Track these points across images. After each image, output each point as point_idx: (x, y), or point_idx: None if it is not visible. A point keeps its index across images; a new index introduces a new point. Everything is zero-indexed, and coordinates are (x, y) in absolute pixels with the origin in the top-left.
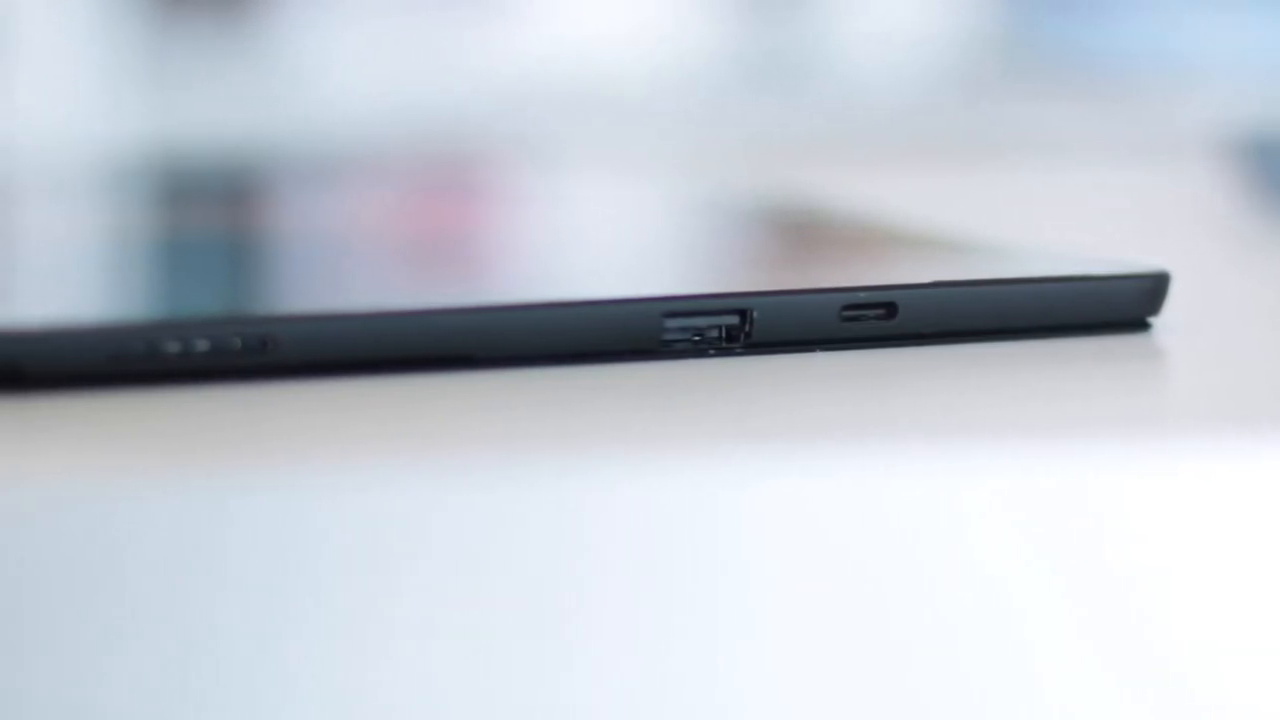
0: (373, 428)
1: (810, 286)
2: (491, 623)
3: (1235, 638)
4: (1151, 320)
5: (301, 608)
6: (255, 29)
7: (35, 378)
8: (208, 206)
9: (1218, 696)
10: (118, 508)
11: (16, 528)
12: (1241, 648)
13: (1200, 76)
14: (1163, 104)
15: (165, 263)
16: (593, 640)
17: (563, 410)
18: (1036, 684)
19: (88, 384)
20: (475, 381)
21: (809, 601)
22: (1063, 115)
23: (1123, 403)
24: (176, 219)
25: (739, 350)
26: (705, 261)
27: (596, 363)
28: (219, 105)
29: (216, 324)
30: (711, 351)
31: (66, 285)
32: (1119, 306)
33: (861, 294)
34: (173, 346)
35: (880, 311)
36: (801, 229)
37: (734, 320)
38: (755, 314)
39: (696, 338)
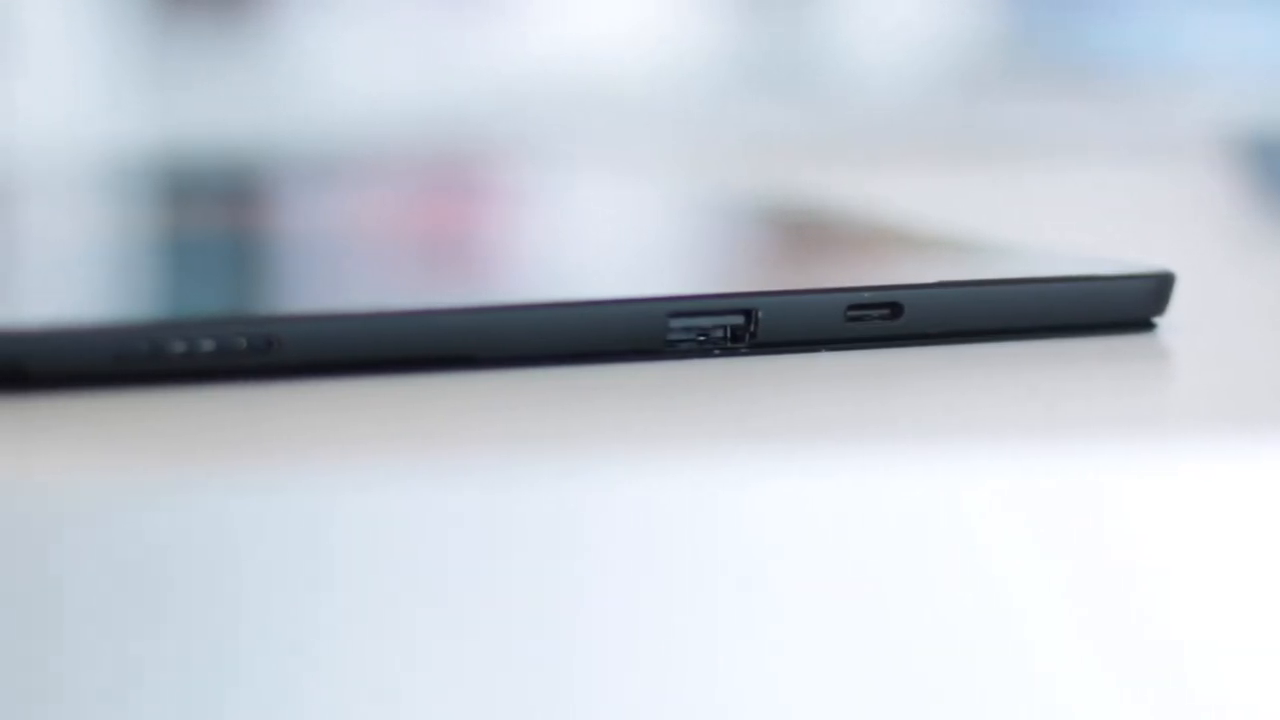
0: (377, 428)
1: (815, 286)
2: (495, 622)
3: (1238, 638)
4: (1156, 320)
5: (306, 606)
6: (256, 29)
7: (39, 378)
8: (210, 206)
9: (1219, 696)
10: (121, 508)
11: (20, 528)
12: (1244, 648)
13: (1201, 76)
14: (1164, 104)
15: (168, 263)
16: (597, 641)
17: (567, 411)
18: (1039, 684)
19: (91, 384)
20: (480, 382)
21: (814, 601)
22: (1064, 115)
23: (1128, 403)
24: (179, 219)
25: (744, 350)
26: (710, 262)
27: (601, 363)
28: (221, 105)
29: (222, 324)
30: (716, 351)
31: (70, 285)
32: (1124, 306)
33: (866, 294)
34: (177, 346)
35: (885, 311)
36: (805, 229)
37: (739, 320)
38: (760, 314)
39: (701, 338)
